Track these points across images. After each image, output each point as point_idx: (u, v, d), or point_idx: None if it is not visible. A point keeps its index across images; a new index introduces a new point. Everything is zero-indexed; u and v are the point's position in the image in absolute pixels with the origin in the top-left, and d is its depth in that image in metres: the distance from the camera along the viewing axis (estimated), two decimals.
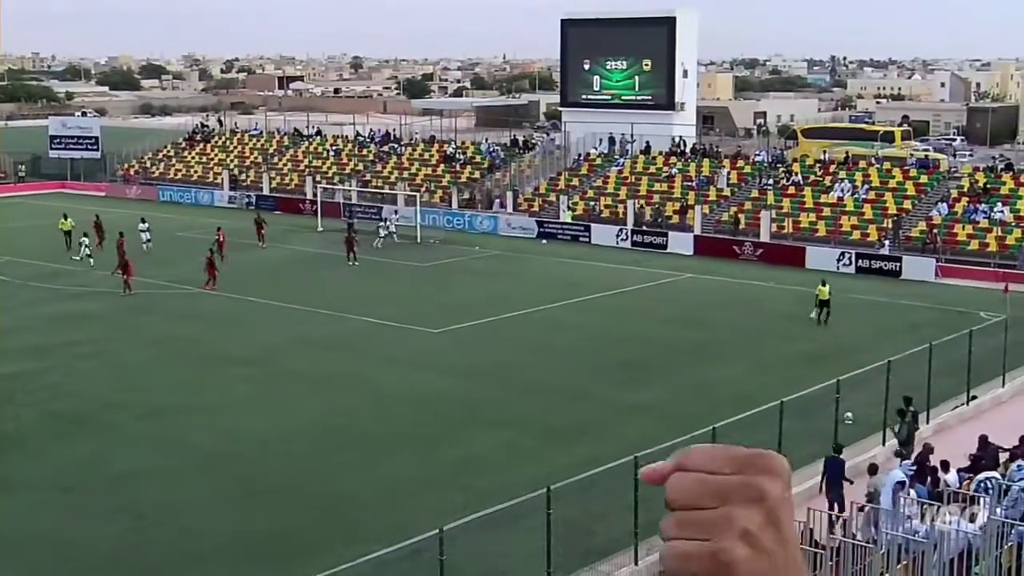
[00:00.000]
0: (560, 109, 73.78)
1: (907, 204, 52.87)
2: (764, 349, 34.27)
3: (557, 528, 17.52)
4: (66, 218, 52.86)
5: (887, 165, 57.11)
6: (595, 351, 33.84)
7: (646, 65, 64.68)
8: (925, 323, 36.80)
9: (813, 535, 16.10)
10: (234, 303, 40.53)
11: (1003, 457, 20.98)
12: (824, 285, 37.72)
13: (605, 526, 20.12)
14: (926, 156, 65.11)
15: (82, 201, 67.25)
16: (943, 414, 27.16)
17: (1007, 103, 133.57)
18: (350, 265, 47.73)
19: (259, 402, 28.75)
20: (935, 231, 49.26)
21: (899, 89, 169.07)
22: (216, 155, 77.96)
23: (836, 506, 19.96)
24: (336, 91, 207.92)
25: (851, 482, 20.80)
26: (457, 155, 68.66)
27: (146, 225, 51.26)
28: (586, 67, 66.94)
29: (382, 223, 54.85)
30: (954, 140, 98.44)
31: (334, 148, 73.74)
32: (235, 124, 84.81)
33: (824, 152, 61.84)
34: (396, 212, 57.84)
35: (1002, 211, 49.70)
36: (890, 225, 50.64)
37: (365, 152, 72.34)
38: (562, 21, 67.79)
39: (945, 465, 19.86)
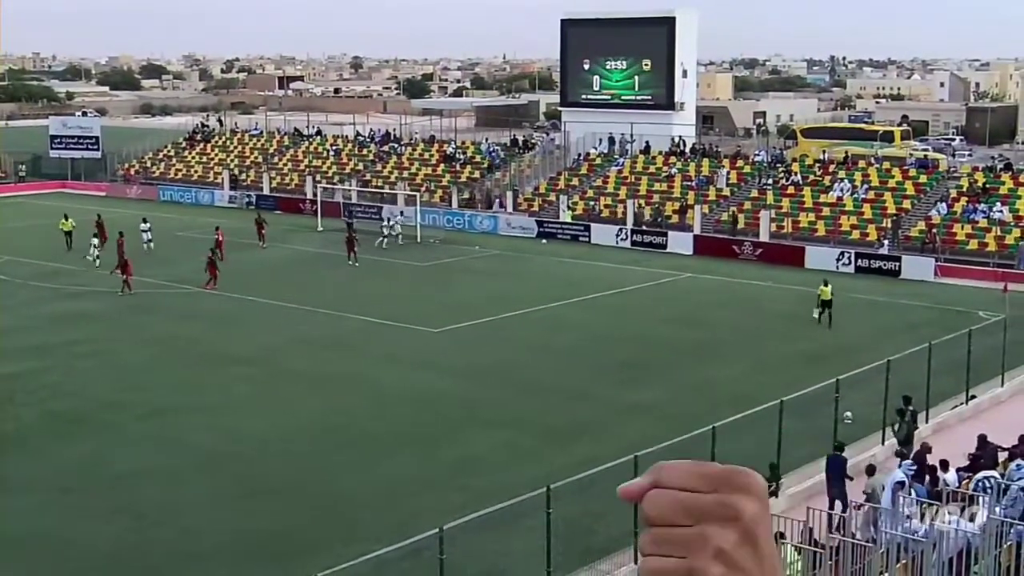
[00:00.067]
0: (560, 109, 73.80)
1: (906, 204, 52.90)
2: (764, 349, 34.29)
3: (557, 527, 17.54)
4: (67, 218, 52.85)
5: (886, 165, 57.14)
6: (595, 351, 33.87)
7: (646, 65, 64.71)
8: (924, 323, 36.83)
9: (813, 534, 16.13)
10: (234, 303, 40.56)
11: (1002, 456, 21.01)
12: (826, 285, 37.58)
13: (605, 525, 20.13)
14: (925, 156, 65.18)
15: (82, 201, 67.27)
16: (942, 413, 27.19)
17: (1006, 103, 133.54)
18: (350, 265, 47.76)
19: (259, 402, 28.78)
20: (934, 231, 49.28)
21: (898, 89, 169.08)
22: (216, 155, 77.98)
23: (838, 503, 20.01)
24: (336, 91, 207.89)
25: (851, 478, 20.85)
26: (457, 155, 68.68)
27: (148, 225, 51.30)
28: (586, 67, 66.97)
29: (386, 223, 54.86)
30: (953, 140, 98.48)
31: (334, 148, 73.76)
32: (235, 124, 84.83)
33: (823, 152, 61.89)
34: (403, 213, 57.70)
35: (1001, 211, 49.73)
36: (889, 225, 50.67)
37: (365, 152, 72.37)
38: (562, 21, 67.83)
39: (944, 464, 19.88)
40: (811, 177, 56.44)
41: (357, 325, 37.19)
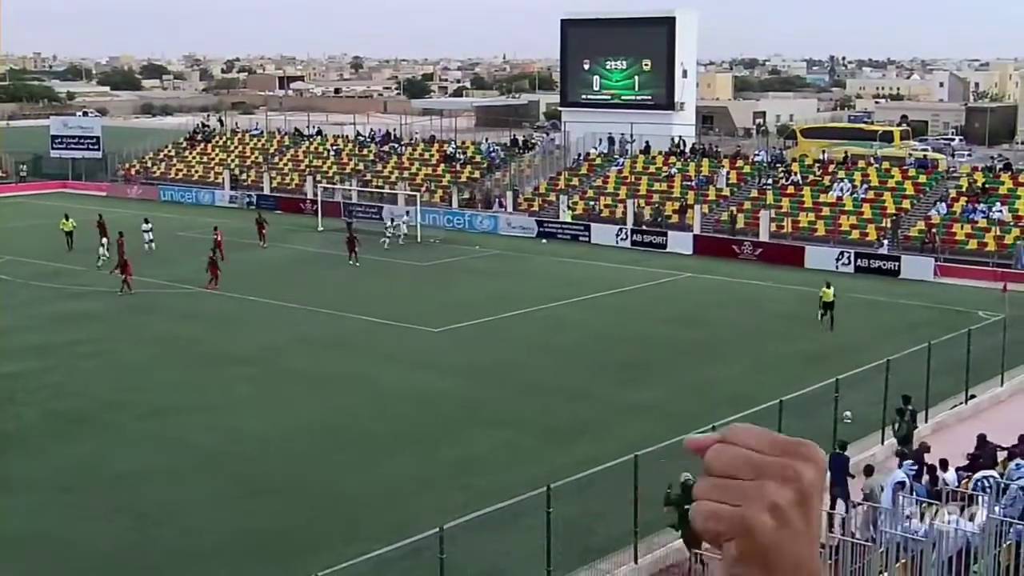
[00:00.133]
0: (560, 109, 73.83)
1: (906, 204, 52.94)
2: (763, 348, 34.32)
3: (557, 527, 17.57)
4: (67, 218, 52.85)
5: (886, 165, 57.19)
6: (595, 350, 33.90)
7: (646, 65, 64.75)
8: (924, 322, 36.86)
9: None
10: (235, 302, 40.59)
11: (1001, 456, 21.05)
12: (828, 287, 37.25)
13: (604, 525, 20.17)
14: (925, 156, 65.25)
15: (83, 201, 67.32)
16: (942, 413, 27.23)
17: (1005, 103, 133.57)
18: (351, 265, 47.80)
19: (260, 401, 28.80)
20: (934, 231, 49.31)
21: (898, 89, 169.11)
22: (217, 155, 78.03)
23: (840, 502, 20.02)
24: (336, 91, 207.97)
25: (852, 476, 20.88)
26: (457, 155, 68.72)
27: (149, 225, 51.31)
28: (586, 67, 67.01)
29: (391, 224, 54.84)
30: (953, 140, 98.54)
31: (334, 148, 73.80)
32: (236, 124, 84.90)
33: (823, 152, 61.95)
34: (408, 213, 57.66)
35: (1000, 211, 49.76)
36: (889, 225, 50.71)
37: (365, 152, 72.41)
38: (562, 21, 67.86)
39: (944, 464, 19.91)
40: (811, 177, 56.47)
41: (358, 325, 37.23)
